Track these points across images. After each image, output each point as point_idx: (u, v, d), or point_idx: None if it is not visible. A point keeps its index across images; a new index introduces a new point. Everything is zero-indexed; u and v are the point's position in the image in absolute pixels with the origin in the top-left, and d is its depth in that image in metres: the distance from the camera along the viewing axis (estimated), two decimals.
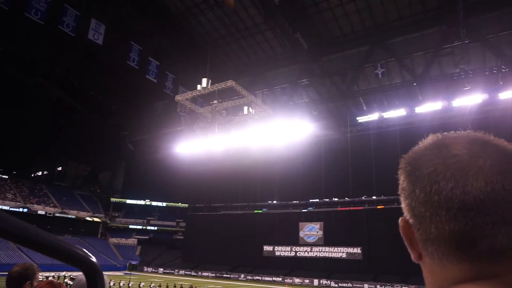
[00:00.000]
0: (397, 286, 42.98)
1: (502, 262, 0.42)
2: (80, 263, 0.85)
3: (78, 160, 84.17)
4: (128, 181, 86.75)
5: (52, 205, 70.08)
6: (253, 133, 65.50)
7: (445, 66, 41.04)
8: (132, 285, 32.63)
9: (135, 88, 63.33)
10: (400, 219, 0.56)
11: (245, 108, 56.64)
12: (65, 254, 0.79)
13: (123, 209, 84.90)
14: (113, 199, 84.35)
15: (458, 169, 0.46)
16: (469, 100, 39.92)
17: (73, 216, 72.06)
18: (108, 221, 79.86)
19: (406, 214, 0.53)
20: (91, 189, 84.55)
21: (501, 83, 37.22)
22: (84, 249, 0.86)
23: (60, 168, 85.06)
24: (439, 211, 0.45)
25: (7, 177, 70.20)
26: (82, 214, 74.18)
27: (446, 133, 0.56)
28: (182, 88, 55.91)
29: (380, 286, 44.08)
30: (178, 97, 54.80)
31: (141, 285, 31.97)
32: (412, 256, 0.54)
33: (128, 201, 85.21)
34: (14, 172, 73.78)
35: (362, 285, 44.90)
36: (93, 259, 0.89)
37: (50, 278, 33.99)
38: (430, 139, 0.55)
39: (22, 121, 68.88)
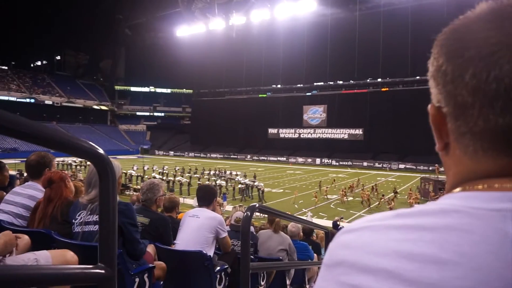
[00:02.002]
0: (394, 164, 45.64)
1: None
2: (88, 155, 0.84)
3: (76, 48, 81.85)
4: (130, 68, 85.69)
5: (57, 94, 70.73)
6: (256, 13, 61.76)
7: None
8: (156, 168, 34.02)
9: None
10: (430, 106, 0.48)
11: None
12: (71, 148, 0.78)
13: (128, 96, 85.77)
14: (117, 87, 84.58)
15: None
16: None
17: (81, 105, 73.35)
18: (116, 109, 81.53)
19: (442, 101, 0.45)
20: (94, 78, 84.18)
21: None
22: (91, 142, 0.85)
23: (59, 57, 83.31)
24: (495, 102, 0.39)
25: (6, 68, 69.29)
26: (88, 102, 75.33)
27: None
28: None
29: (379, 164, 46.84)
30: None
31: (164, 168, 33.42)
32: (437, 145, 0.48)
33: (133, 89, 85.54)
34: (13, 63, 72.57)
35: (361, 163, 47.72)
36: (100, 151, 0.87)
37: (61, 163, 35.85)
38: (485, 6, 0.44)
39: (14, 8, 64.98)
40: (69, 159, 38.72)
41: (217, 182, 25.92)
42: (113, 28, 78.93)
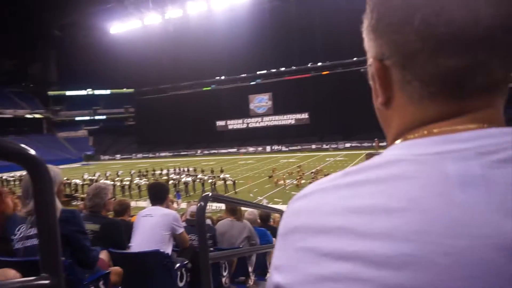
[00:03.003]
0: (341, 143, 47.57)
1: (489, 95, 0.42)
2: (16, 158, 0.75)
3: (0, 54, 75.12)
4: (63, 71, 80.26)
5: None
6: (192, 5, 60.58)
7: None
8: (109, 174, 32.24)
9: None
10: (371, 61, 0.48)
11: None
12: None
13: (64, 101, 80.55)
14: (51, 93, 79.02)
15: None
16: None
17: (10, 116, 67.77)
18: (51, 116, 76.30)
19: (386, 53, 0.45)
20: (23, 85, 77.88)
21: None
22: (21, 144, 0.76)
23: None
24: (445, 46, 0.40)
25: None
26: (20, 112, 69.81)
27: None
28: None
29: (326, 145, 48.57)
30: None
31: (118, 173, 31.86)
32: (379, 100, 0.48)
33: (68, 93, 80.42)
34: None
35: (310, 146, 49.16)
36: (32, 152, 0.77)
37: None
38: None
39: None
40: (5, 175, 35.79)
41: (182, 180, 25.21)
42: (40, 30, 73.39)
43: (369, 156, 27.08)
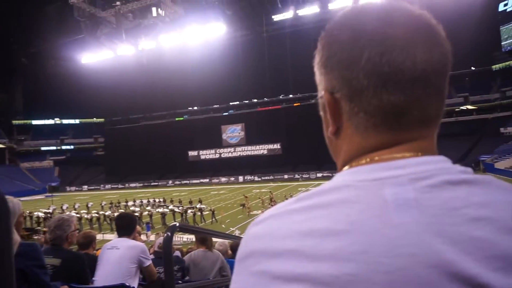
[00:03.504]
0: (313, 173, 48.11)
1: (424, 127, 0.48)
2: None
3: None
4: (30, 100, 77.86)
5: None
6: (165, 37, 61.33)
7: None
8: (78, 206, 30.60)
9: None
10: (323, 93, 0.52)
11: (154, 9, 51.82)
12: None
13: (30, 131, 77.74)
14: (15, 122, 76.21)
15: (408, 39, 0.46)
16: None
17: None
18: (15, 146, 73.19)
19: (336, 87, 0.49)
20: None
21: None
22: None
23: None
24: (388, 83, 0.45)
25: None
26: None
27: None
28: None
29: (298, 175, 48.96)
30: None
31: (88, 205, 30.26)
32: (330, 129, 0.53)
33: (34, 122, 77.82)
34: None
35: (282, 176, 49.39)
36: None
37: None
38: (373, 5, 0.50)
39: None
40: None
41: (159, 210, 24.40)
42: (7, 57, 71.61)
43: None
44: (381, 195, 0.42)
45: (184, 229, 2.18)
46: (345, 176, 0.48)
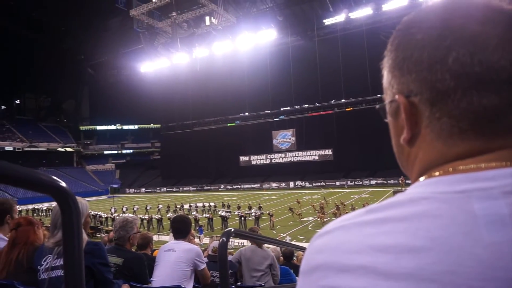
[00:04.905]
0: (366, 180, 46.56)
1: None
2: (46, 189, 0.76)
3: (37, 91, 79.67)
4: (95, 107, 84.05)
5: (18, 140, 68.00)
6: (218, 45, 63.06)
7: None
8: (137, 209, 32.15)
9: (83, 6, 57.64)
10: (397, 97, 0.47)
11: (207, 18, 53.47)
12: (27, 182, 0.70)
13: (94, 136, 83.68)
14: (82, 127, 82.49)
15: (502, 37, 0.41)
16: None
17: (44, 149, 70.69)
18: (82, 150, 79.11)
19: (414, 90, 0.45)
20: (57, 120, 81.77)
21: None
22: (52, 176, 0.76)
23: (18, 101, 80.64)
24: (479, 85, 0.41)
25: None
26: (52, 145, 72.79)
27: None
28: (136, 1, 51.39)
29: (351, 182, 47.63)
30: (133, 11, 50.68)
31: (148, 207, 31.94)
32: (403, 137, 0.47)
33: (99, 128, 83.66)
34: None
35: (334, 183, 48.34)
36: (62, 183, 0.79)
37: (30, 210, 33.87)
38: (442, 1, 0.46)
39: None
40: (35, 205, 36.82)
41: (222, 214, 25.10)
42: (75, 69, 77.83)
43: (396, 193, 26.24)
44: (468, 209, 0.37)
45: (239, 234, 2.19)
46: (422, 187, 0.43)
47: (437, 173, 0.44)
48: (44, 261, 2.33)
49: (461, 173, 0.41)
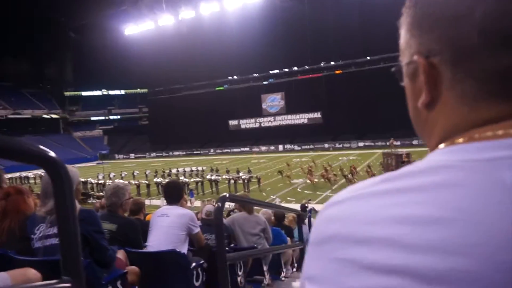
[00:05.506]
0: (354, 143, 47.16)
1: None
2: (36, 160, 0.75)
3: (17, 56, 76.71)
4: (79, 72, 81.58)
5: (1, 107, 66.29)
6: (204, 6, 60.90)
7: None
8: (125, 175, 31.73)
9: None
10: (415, 57, 0.43)
11: None
12: (17, 153, 0.69)
13: (80, 102, 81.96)
14: (67, 93, 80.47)
15: None
16: None
17: (29, 116, 69.24)
18: (68, 116, 77.73)
19: (434, 49, 0.41)
20: (40, 86, 79.46)
21: None
22: (41, 146, 0.76)
23: None
24: (509, 42, 0.36)
25: None
26: (37, 112, 71.27)
27: None
28: None
29: (339, 144, 48.21)
30: None
31: (134, 174, 31.86)
32: (422, 100, 0.43)
33: (84, 93, 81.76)
34: None
35: (322, 145, 48.89)
36: (51, 154, 0.77)
37: (17, 178, 33.48)
38: None
39: None
40: (24, 173, 36.54)
41: (211, 178, 25.17)
42: (56, 32, 74.73)
43: (386, 156, 26.60)
44: (498, 178, 0.34)
45: (234, 199, 2.20)
46: (444, 155, 0.40)
47: (460, 140, 0.40)
48: (37, 230, 2.33)
49: (488, 140, 0.38)
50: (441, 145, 0.42)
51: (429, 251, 0.32)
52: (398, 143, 36.12)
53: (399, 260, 0.33)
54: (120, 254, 2.88)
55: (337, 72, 55.14)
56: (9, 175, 33.47)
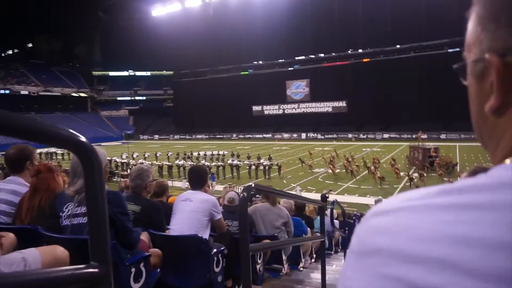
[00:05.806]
0: (379, 134, 46.23)
1: None
2: (68, 144, 0.76)
3: (48, 35, 78.65)
4: (107, 52, 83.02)
5: (33, 84, 68.47)
6: None
7: None
8: (148, 155, 31.66)
9: None
10: (487, 55, 0.37)
11: None
12: (49, 138, 0.70)
13: (107, 81, 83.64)
14: (95, 73, 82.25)
15: None
16: None
17: (58, 93, 71.29)
18: (95, 95, 79.59)
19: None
20: (70, 64, 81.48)
21: None
22: (71, 130, 0.76)
23: (31, 45, 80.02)
24: None
25: None
26: (66, 90, 73.26)
27: None
28: None
29: (363, 135, 47.40)
30: None
31: (156, 155, 32.31)
32: (490, 104, 0.37)
33: (111, 73, 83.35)
34: None
35: (346, 135, 48.20)
36: (82, 138, 0.78)
37: (45, 153, 34.43)
38: None
39: None
40: (53, 149, 37.79)
41: (232, 162, 25.27)
42: (86, 11, 75.98)
43: (413, 149, 25.83)
44: None
45: (259, 190, 2.17)
46: None
47: None
48: (65, 208, 2.38)
49: None
50: (508, 160, 0.37)
51: (496, 280, 0.27)
52: (425, 136, 35.13)
53: (457, 286, 0.28)
54: (144, 237, 2.92)
55: (364, 60, 53.85)
56: (38, 150, 34.70)
